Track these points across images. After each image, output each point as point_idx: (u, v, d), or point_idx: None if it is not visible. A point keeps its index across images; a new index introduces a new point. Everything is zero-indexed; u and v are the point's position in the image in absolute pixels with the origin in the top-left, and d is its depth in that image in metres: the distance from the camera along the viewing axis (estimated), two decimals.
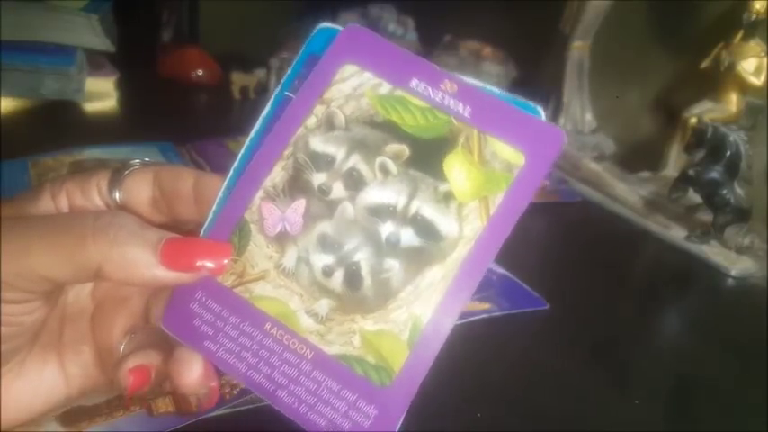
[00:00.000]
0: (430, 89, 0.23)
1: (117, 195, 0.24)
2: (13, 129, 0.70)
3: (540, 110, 0.23)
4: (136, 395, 0.27)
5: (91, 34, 0.82)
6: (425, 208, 0.23)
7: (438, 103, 0.23)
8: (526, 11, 0.86)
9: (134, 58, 0.86)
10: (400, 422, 0.22)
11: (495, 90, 0.23)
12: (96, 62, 0.85)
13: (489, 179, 0.22)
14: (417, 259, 0.22)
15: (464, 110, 0.23)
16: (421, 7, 0.94)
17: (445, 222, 0.22)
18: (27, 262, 0.21)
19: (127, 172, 0.24)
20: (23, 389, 0.24)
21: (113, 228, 0.21)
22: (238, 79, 0.88)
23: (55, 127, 0.74)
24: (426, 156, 0.23)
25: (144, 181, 0.24)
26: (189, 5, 0.98)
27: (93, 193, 0.24)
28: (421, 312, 0.22)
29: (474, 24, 0.91)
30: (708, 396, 0.45)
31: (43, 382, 0.24)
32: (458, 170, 0.23)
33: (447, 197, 0.23)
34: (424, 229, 0.23)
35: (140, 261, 0.21)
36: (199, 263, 0.22)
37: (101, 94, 0.83)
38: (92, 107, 0.81)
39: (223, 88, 0.88)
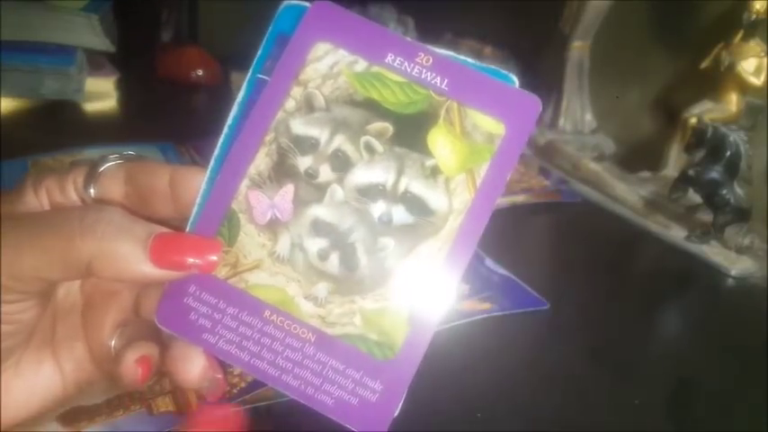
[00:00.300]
0: (406, 63, 0.23)
1: (91, 192, 0.24)
2: (13, 129, 0.70)
3: (514, 78, 0.23)
4: (134, 391, 0.27)
5: (91, 34, 0.82)
6: (414, 184, 0.23)
7: (415, 77, 0.23)
8: (526, 11, 0.86)
9: (134, 58, 0.86)
10: (404, 395, 0.22)
11: (469, 60, 0.23)
12: (96, 62, 0.85)
13: (473, 151, 0.23)
14: (411, 236, 0.23)
15: (441, 82, 0.23)
16: (421, 7, 0.94)
17: (435, 197, 0.23)
18: (18, 264, 0.21)
19: (102, 168, 0.24)
20: (20, 388, 0.24)
21: (101, 224, 0.21)
22: (238, 79, 0.87)
23: (55, 127, 0.74)
24: (409, 132, 0.23)
25: (116, 178, 0.24)
26: (189, 5, 0.98)
27: (70, 190, 0.24)
28: (418, 287, 0.22)
29: (474, 24, 0.91)
30: (708, 396, 0.45)
31: (39, 380, 0.24)
32: (442, 144, 0.23)
33: (434, 172, 0.23)
34: (415, 205, 0.23)
35: (130, 257, 0.21)
36: (188, 261, 0.22)
37: (101, 94, 0.83)
38: (92, 107, 0.81)
39: (223, 88, 0.88)
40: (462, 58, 0.23)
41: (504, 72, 0.23)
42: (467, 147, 0.23)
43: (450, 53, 0.23)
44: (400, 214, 0.23)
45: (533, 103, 0.23)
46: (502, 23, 0.89)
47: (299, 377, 0.22)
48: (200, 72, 0.91)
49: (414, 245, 0.23)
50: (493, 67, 0.23)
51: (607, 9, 0.79)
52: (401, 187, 0.23)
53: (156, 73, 0.91)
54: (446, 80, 0.23)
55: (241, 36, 0.92)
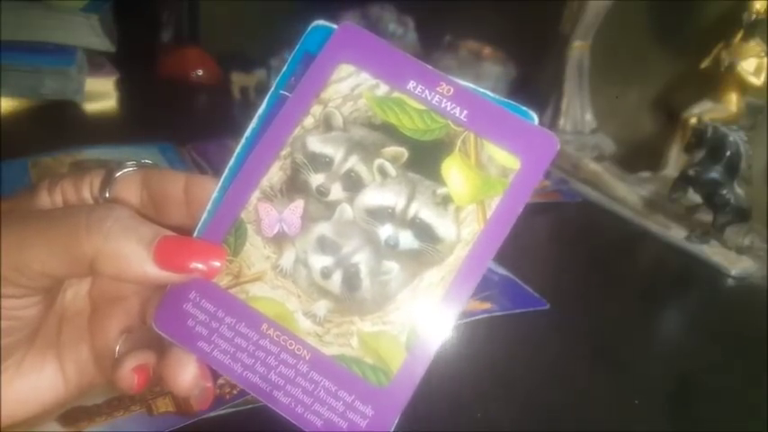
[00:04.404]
0: (427, 91, 0.23)
1: (107, 195, 0.24)
2: (13, 129, 0.70)
3: (534, 115, 0.23)
4: (136, 394, 0.27)
5: (91, 34, 0.82)
6: (424, 211, 0.23)
7: (435, 105, 0.23)
8: (526, 11, 0.86)
9: (134, 58, 0.86)
10: (395, 423, 0.22)
11: (489, 94, 0.23)
12: (96, 62, 0.85)
13: (486, 183, 0.23)
14: (416, 262, 0.23)
15: (461, 113, 0.23)
16: (421, 7, 0.94)
17: (443, 225, 0.23)
18: (22, 257, 0.21)
19: (119, 174, 0.24)
20: (22, 388, 0.24)
21: (108, 221, 0.21)
22: (238, 79, 0.88)
23: (55, 127, 0.73)
24: (424, 159, 0.23)
25: (133, 183, 0.24)
26: (189, 5, 0.98)
27: (86, 191, 0.24)
28: (419, 315, 0.22)
29: (474, 24, 0.91)
30: (708, 396, 0.45)
31: (42, 381, 0.25)
32: (455, 173, 0.23)
33: (445, 200, 0.23)
34: (423, 231, 0.23)
35: (132, 257, 0.21)
36: (192, 265, 0.22)
37: (101, 94, 0.83)
38: (92, 107, 0.81)
39: (223, 88, 0.88)
40: (483, 91, 0.23)
41: (524, 108, 0.23)
42: (480, 178, 0.23)
43: (472, 86, 0.23)
44: (407, 239, 0.23)
45: (551, 141, 0.23)
46: (502, 24, 0.89)
47: (290, 394, 0.22)
48: (200, 72, 0.91)
49: (418, 271, 0.22)
50: (513, 102, 0.23)
51: (607, 9, 0.79)
52: (411, 212, 0.23)
53: (156, 73, 0.91)
54: (465, 111, 0.23)
55: (241, 36, 0.92)
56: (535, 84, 0.89)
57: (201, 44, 0.97)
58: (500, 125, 0.23)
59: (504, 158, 0.23)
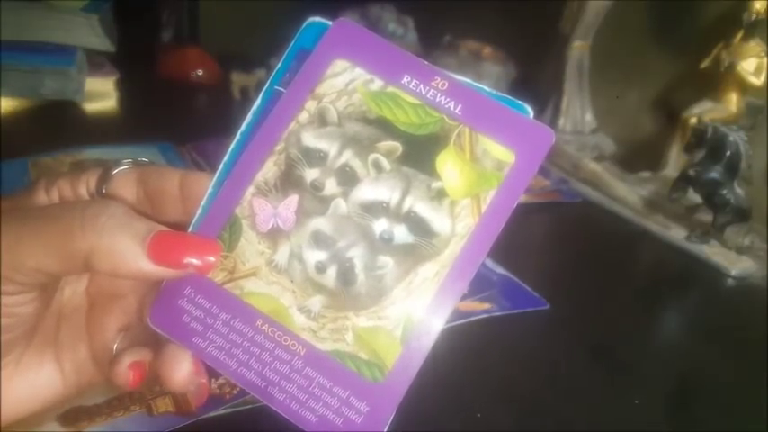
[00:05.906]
0: (421, 86, 0.23)
1: (103, 193, 0.24)
2: (13, 129, 0.70)
3: (529, 108, 0.23)
4: (134, 392, 0.27)
5: (91, 34, 0.82)
6: (419, 205, 0.23)
7: (430, 100, 0.23)
8: (526, 11, 0.86)
9: (134, 58, 0.86)
10: (391, 418, 0.22)
11: (485, 88, 0.23)
12: (96, 62, 0.85)
13: (480, 177, 0.23)
14: (410, 256, 0.23)
15: (455, 107, 0.23)
16: (421, 7, 0.94)
17: (438, 219, 0.23)
18: (18, 254, 0.21)
19: (115, 171, 0.24)
20: (20, 386, 0.24)
21: (102, 217, 0.21)
22: (238, 79, 0.88)
23: (55, 127, 0.73)
24: (419, 153, 0.23)
25: (129, 181, 0.24)
26: (189, 5, 0.98)
27: (82, 189, 0.24)
28: (414, 309, 0.22)
29: (474, 24, 0.91)
30: (708, 396, 0.45)
31: (40, 380, 0.25)
32: (450, 168, 0.23)
33: (440, 194, 0.23)
34: (418, 226, 0.23)
35: (127, 253, 0.21)
36: (186, 260, 0.22)
37: (101, 94, 0.83)
38: (92, 107, 0.81)
39: (223, 88, 0.88)
40: (478, 85, 0.23)
41: (519, 102, 0.23)
42: (475, 172, 0.23)
43: (467, 80, 0.23)
44: (402, 234, 0.23)
45: (546, 134, 0.23)
46: (502, 23, 0.89)
47: (285, 390, 0.22)
48: (200, 72, 0.91)
49: (412, 266, 0.22)
50: (508, 96, 0.23)
51: (607, 9, 0.79)
52: (405, 207, 0.23)
53: (156, 73, 0.91)
54: (460, 105, 0.23)
55: (241, 36, 0.92)
56: (535, 84, 0.89)
57: (201, 44, 0.97)
58: (495, 119, 0.23)
59: (499, 152, 0.23)
